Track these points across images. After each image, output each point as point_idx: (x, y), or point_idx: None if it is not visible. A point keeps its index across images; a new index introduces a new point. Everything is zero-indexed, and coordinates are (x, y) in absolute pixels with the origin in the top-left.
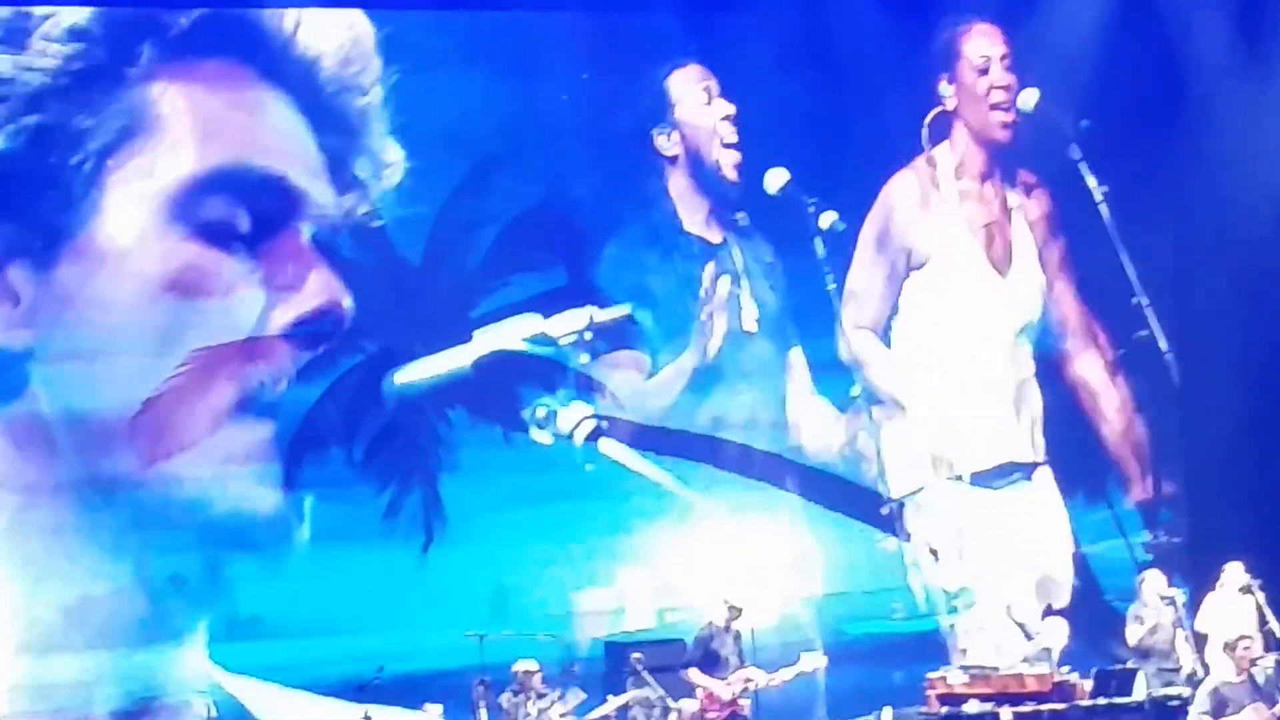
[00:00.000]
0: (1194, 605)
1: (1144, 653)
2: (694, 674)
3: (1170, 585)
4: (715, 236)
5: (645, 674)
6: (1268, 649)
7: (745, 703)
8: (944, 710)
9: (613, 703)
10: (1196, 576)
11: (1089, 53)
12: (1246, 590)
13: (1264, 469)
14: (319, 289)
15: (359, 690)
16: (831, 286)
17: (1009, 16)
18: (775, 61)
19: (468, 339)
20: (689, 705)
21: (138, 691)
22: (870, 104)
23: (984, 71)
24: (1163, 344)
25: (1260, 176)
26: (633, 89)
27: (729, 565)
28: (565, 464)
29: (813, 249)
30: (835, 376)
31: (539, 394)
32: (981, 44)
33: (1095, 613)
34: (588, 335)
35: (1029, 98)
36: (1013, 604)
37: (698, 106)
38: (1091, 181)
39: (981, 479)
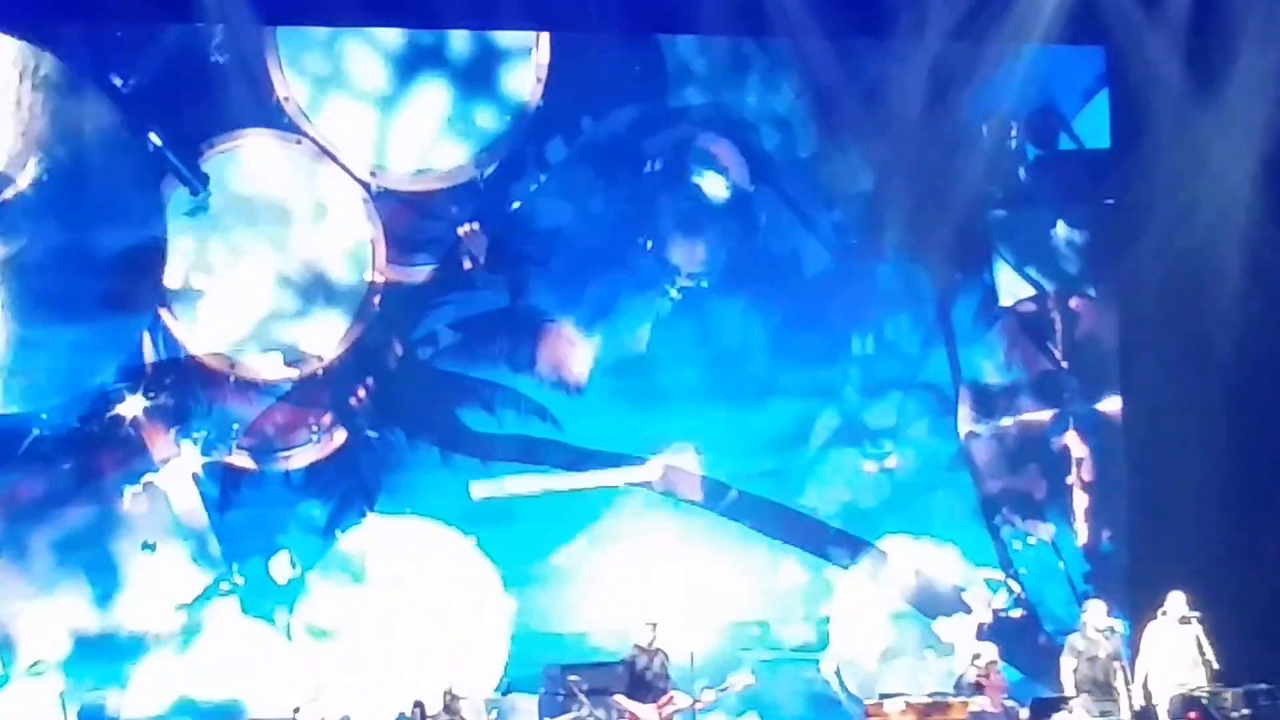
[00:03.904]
0: (1134, 636)
1: (1080, 685)
2: (619, 698)
3: (1109, 616)
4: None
5: (582, 696)
6: (1202, 678)
7: None
8: None
9: None
10: (1136, 607)
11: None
12: (1186, 621)
13: (1205, 499)
14: None
15: None
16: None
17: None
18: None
19: (410, 359)
20: None
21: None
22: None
23: None
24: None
25: (1205, 213)
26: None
27: (660, 588)
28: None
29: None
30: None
31: (478, 415)
32: None
33: (1034, 642)
34: None
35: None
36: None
37: None
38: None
39: None
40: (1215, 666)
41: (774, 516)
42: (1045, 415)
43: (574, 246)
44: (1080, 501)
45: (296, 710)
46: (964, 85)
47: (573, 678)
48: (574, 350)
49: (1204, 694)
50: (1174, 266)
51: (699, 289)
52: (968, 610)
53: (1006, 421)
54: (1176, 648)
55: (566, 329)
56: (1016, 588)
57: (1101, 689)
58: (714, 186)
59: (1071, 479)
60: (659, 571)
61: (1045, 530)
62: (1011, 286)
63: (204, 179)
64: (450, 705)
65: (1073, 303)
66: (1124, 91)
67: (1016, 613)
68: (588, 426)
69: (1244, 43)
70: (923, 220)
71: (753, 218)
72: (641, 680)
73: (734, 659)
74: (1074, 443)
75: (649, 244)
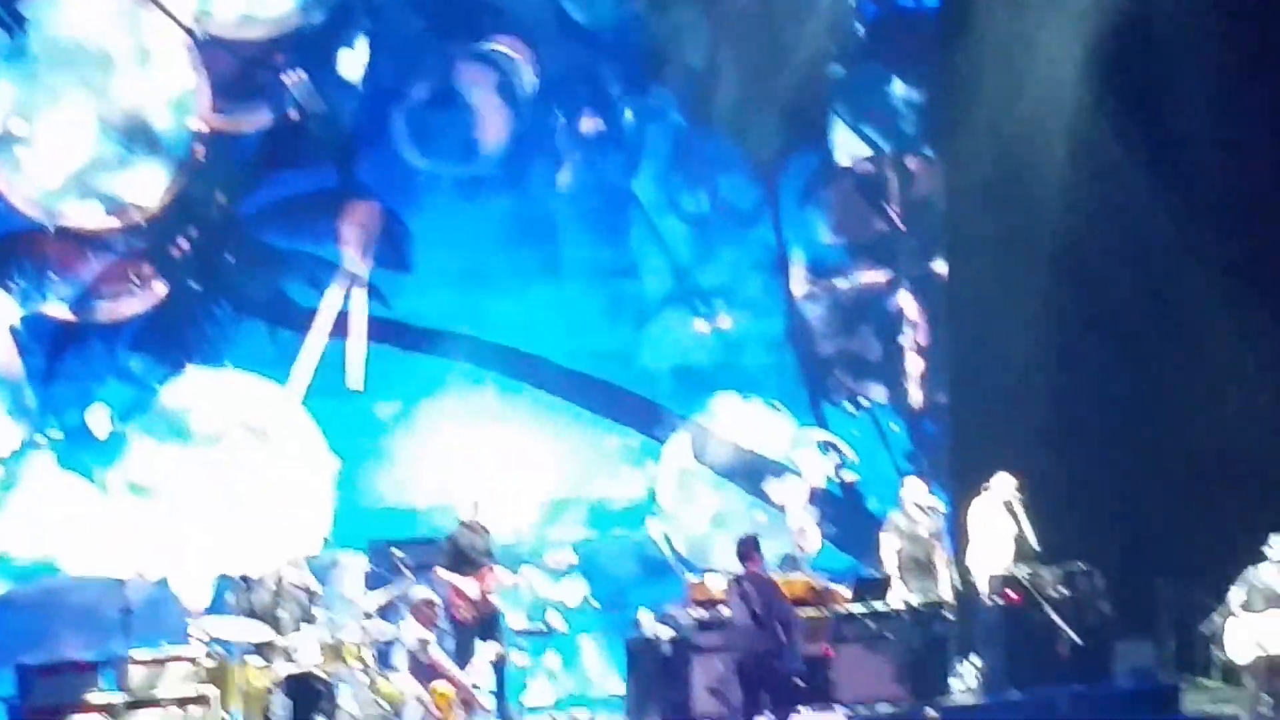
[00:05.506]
0: (955, 515)
1: (903, 564)
2: (441, 571)
3: (930, 494)
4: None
5: (406, 571)
6: (1021, 558)
7: (495, 600)
8: (703, 615)
9: (373, 598)
10: (957, 486)
11: None
12: (1009, 503)
13: (1027, 373)
14: None
15: None
16: None
17: None
18: None
19: (235, 219)
20: (424, 594)
21: None
22: None
23: None
24: None
25: (1033, 85)
26: None
27: (483, 465)
28: (327, 362)
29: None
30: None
31: (305, 290)
32: None
33: (857, 521)
34: None
35: None
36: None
37: None
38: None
39: None
40: (1035, 546)
41: (598, 391)
42: (880, 277)
43: (399, 111)
44: (914, 365)
45: (124, 583)
46: None
47: (397, 553)
48: (401, 228)
49: (1023, 574)
50: (1002, 133)
51: (525, 158)
52: (798, 473)
53: (841, 283)
54: (997, 527)
55: (391, 206)
56: (848, 451)
57: (923, 568)
58: (540, 50)
59: (905, 341)
60: (484, 447)
61: (878, 392)
62: (849, 146)
63: (21, 20)
64: (279, 586)
65: (909, 163)
66: None
67: (847, 475)
68: (415, 304)
69: None
70: (759, 78)
71: (580, 81)
72: (465, 556)
73: (557, 535)
74: (908, 304)
75: (473, 110)
